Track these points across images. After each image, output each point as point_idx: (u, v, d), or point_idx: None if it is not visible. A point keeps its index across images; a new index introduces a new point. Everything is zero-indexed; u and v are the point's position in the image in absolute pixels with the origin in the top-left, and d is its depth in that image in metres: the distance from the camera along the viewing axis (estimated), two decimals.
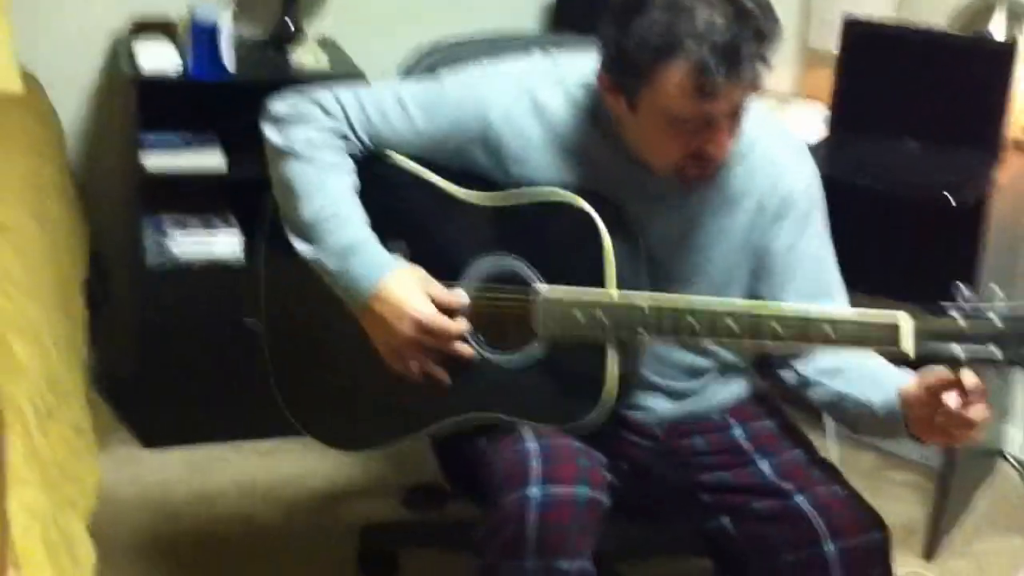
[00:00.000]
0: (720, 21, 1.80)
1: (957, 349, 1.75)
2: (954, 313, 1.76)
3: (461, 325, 2.03)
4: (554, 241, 2.03)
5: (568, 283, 1.98)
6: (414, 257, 2.08)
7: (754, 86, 1.86)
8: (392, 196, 2.10)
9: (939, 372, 1.83)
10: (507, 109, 2.04)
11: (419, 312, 2.00)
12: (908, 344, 1.80)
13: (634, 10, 1.85)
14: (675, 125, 1.89)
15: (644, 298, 1.94)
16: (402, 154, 2.10)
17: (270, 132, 2.10)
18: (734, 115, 1.91)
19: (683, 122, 1.88)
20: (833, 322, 1.86)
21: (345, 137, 2.08)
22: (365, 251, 2.02)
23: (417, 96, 2.09)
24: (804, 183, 2.09)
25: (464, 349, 2.03)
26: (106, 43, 3.26)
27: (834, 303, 2.07)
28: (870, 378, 1.99)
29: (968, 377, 1.79)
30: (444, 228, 2.11)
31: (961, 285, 1.77)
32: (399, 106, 2.08)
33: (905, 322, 1.80)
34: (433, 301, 2.02)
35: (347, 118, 2.08)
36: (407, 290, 2.01)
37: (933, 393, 1.83)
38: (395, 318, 2.00)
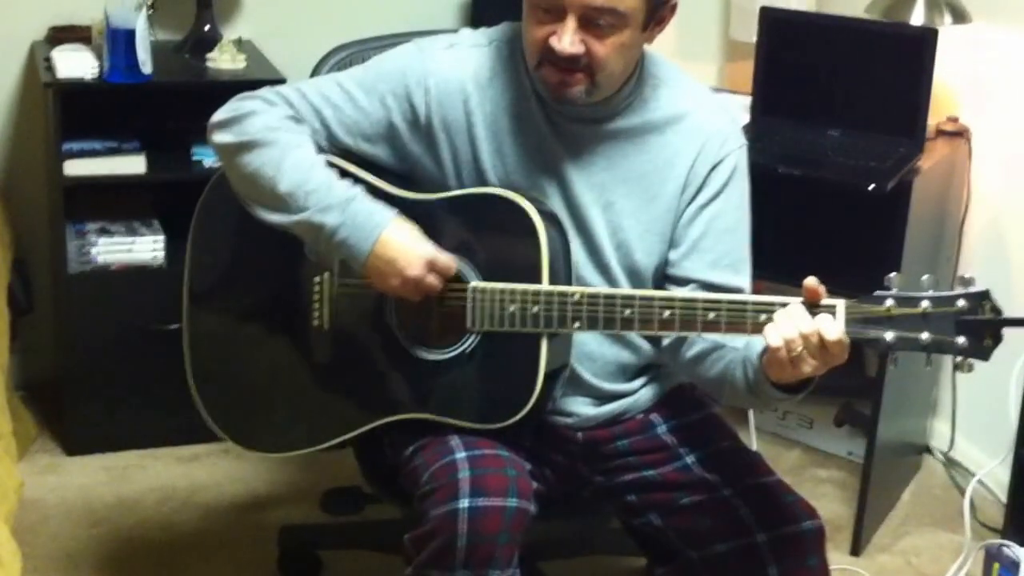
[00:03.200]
0: None
1: (887, 334, 1.76)
2: (886, 301, 1.76)
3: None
4: (489, 236, 2.02)
5: (504, 278, 1.97)
6: None
7: None
8: None
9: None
10: (445, 74, 2.04)
11: (428, 252, 1.97)
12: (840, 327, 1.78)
13: None
14: (532, 11, 1.94)
15: (577, 290, 1.94)
16: (347, 143, 2.07)
17: (221, 136, 2.04)
18: (584, 18, 1.90)
19: (537, 5, 1.93)
20: (769, 309, 1.83)
21: (299, 120, 2.05)
22: (364, 200, 1.99)
23: (355, 75, 2.09)
24: (730, 152, 2.07)
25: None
26: (23, 50, 3.25)
27: (736, 278, 2.06)
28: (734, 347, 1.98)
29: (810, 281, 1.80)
30: None
31: (893, 275, 1.77)
32: (339, 88, 2.07)
33: (838, 306, 1.79)
34: None
35: (292, 108, 2.05)
36: (411, 233, 1.99)
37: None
38: (405, 260, 1.96)
